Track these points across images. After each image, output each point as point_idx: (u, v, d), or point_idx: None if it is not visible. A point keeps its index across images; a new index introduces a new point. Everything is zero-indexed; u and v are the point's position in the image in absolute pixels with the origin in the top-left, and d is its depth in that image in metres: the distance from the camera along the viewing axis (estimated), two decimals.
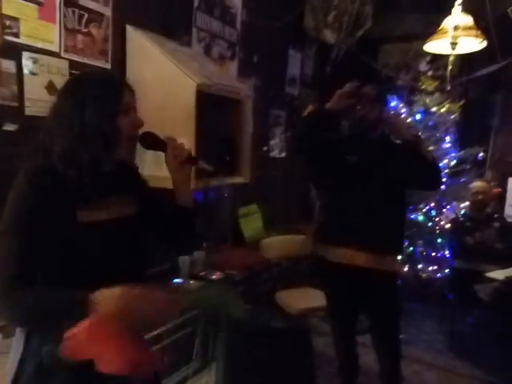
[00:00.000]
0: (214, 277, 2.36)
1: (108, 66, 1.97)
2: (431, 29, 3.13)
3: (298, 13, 3.40)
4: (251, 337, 2.10)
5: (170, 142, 1.07)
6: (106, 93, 0.95)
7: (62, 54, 1.74)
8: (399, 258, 2.10)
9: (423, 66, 3.73)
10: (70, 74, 1.78)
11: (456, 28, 2.71)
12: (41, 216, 0.88)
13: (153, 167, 2.06)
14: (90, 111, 0.92)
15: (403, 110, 3.53)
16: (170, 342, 1.95)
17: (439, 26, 2.93)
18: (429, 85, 3.50)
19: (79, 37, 1.80)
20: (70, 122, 0.92)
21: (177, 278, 2.28)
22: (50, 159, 0.92)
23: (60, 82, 1.73)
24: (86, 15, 1.82)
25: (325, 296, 2.23)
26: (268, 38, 3.16)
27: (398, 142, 2.02)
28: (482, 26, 2.97)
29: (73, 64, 1.79)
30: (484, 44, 2.81)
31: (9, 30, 1.54)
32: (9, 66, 1.55)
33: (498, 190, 3.59)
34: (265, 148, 3.38)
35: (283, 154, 3.59)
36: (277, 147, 3.51)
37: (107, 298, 0.80)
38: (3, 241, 0.87)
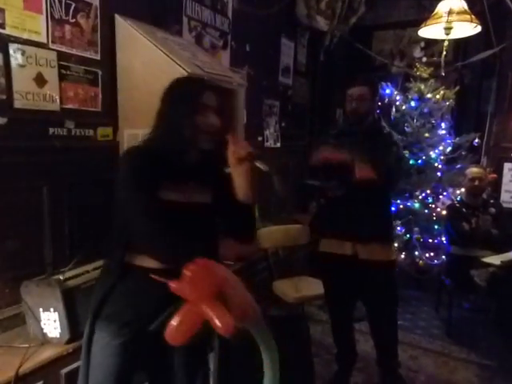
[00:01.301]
0: None
1: (97, 57, 1.94)
2: (425, 15, 3.10)
3: (289, 0, 3.35)
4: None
5: (231, 140, 1.16)
6: (187, 95, 1.18)
7: (50, 45, 1.71)
8: (393, 246, 2.12)
9: (417, 53, 3.72)
10: (59, 65, 1.75)
11: (450, 13, 2.69)
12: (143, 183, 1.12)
13: None
14: (174, 110, 1.18)
15: (398, 97, 3.52)
16: None
17: (432, 11, 2.90)
18: (423, 71, 3.48)
19: (67, 27, 1.77)
20: (164, 117, 1.20)
21: None
22: (147, 142, 1.19)
23: (48, 73, 1.70)
24: (73, 5, 1.78)
25: (322, 284, 2.26)
26: (260, 26, 3.12)
27: (385, 131, 2.04)
28: (476, 10, 2.95)
29: (61, 55, 1.76)
30: (478, 29, 2.78)
31: None
32: None
33: (493, 175, 3.60)
34: (259, 138, 3.37)
35: (278, 144, 3.58)
36: (271, 137, 3.49)
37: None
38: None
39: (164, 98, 1.23)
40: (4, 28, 1.54)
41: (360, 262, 1.95)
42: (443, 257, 3.34)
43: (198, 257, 0.80)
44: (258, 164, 1.16)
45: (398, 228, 3.38)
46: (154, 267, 1.09)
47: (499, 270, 2.63)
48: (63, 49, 1.77)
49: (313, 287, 2.63)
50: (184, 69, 1.85)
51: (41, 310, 1.49)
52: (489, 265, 2.69)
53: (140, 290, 1.15)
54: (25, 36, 1.62)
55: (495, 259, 2.70)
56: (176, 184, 1.15)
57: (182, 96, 1.19)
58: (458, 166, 3.51)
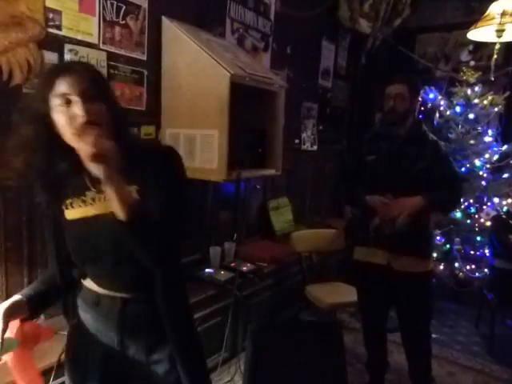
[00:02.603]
0: (244, 268, 2.37)
1: (144, 58, 2.00)
2: (472, 17, 2.97)
3: (332, 2, 3.32)
4: (280, 329, 2.09)
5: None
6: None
7: (101, 46, 1.78)
8: (431, 258, 2.02)
9: (465, 56, 3.57)
10: (108, 65, 1.82)
11: (503, 14, 2.56)
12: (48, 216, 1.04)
13: (185, 158, 2.09)
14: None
15: (442, 102, 3.39)
16: (200, 331, 1.97)
17: (482, 13, 2.78)
18: (470, 75, 3.33)
19: (117, 28, 1.84)
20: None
21: (207, 268, 2.31)
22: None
23: None
24: (124, 7, 1.85)
25: (356, 291, 2.21)
26: (301, 28, 3.11)
27: (430, 138, 1.94)
28: None
29: (110, 55, 1.82)
30: None
31: (52, 23, 1.59)
32: (52, 57, 1.61)
33: None
34: (296, 141, 3.35)
35: (315, 147, 3.54)
36: (308, 140, 3.47)
37: None
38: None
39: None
40: (61, 29, 1.62)
41: (394, 272, 1.89)
42: (485, 270, 3.18)
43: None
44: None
45: (438, 237, 3.25)
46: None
47: None
48: (112, 49, 1.84)
49: (346, 294, 2.57)
50: (227, 69, 1.88)
51: None
52: None
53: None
54: (78, 37, 1.69)
55: None
56: (76, 198, 0.97)
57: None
58: (506, 175, 3.33)
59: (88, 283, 1.06)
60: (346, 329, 2.85)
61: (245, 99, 2.08)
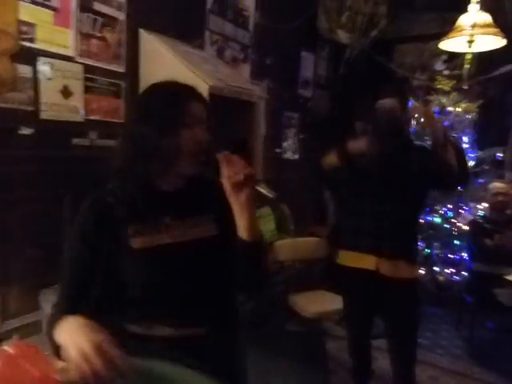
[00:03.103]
0: None
1: (122, 70, 1.99)
2: (447, 28, 3.07)
3: (310, 14, 3.38)
4: (266, 340, 2.09)
5: (224, 161, 0.85)
6: (167, 106, 0.89)
7: (77, 59, 1.77)
8: (416, 264, 2.04)
9: (439, 65, 3.67)
10: (85, 77, 1.80)
11: (473, 26, 2.66)
12: (89, 245, 0.88)
13: None
14: (150, 125, 0.87)
15: None
16: None
17: (454, 25, 2.88)
18: (445, 84, 3.43)
19: (93, 41, 1.83)
20: (132, 137, 0.90)
21: None
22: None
23: (74, 85, 1.76)
24: (100, 20, 1.84)
25: (342, 298, 2.21)
26: (281, 39, 3.16)
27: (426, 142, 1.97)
28: (499, 23, 2.91)
29: (87, 68, 1.81)
30: (504, 42, 2.74)
31: (25, 36, 1.57)
32: (25, 71, 1.58)
33: None
34: (278, 150, 3.37)
35: (296, 156, 3.57)
36: (290, 149, 3.49)
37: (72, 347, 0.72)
38: (64, 263, 0.91)
39: (133, 112, 0.98)
40: (34, 42, 1.60)
41: (382, 278, 1.87)
42: (464, 273, 3.24)
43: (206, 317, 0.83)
44: (261, 189, 0.91)
45: (418, 243, 3.31)
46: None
47: None
48: (89, 62, 1.82)
49: (330, 302, 2.58)
50: (205, 81, 1.88)
51: None
52: None
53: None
54: (53, 50, 1.67)
55: None
56: (150, 224, 0.89)
57: (162, 106, 0.90)
58: (481, 180, 3.42)
59: (138, 328, 0.90)
60: (331, 337, 2.86)
61: (224, 110, 2.09)
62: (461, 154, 1.81)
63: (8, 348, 0.73)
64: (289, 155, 3.50)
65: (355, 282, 1.97)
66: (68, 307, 0.85)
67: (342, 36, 3.42)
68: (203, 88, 1.87)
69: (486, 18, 2.65)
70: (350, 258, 1.98)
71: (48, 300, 1.53)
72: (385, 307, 1.99)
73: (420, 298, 2.05)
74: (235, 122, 2.29)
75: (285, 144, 3.42)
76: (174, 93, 0.94)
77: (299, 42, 3.47)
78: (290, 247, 2.84)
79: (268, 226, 3.19)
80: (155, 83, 1.01)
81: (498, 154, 3.52)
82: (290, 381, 1.86)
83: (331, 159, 1.93)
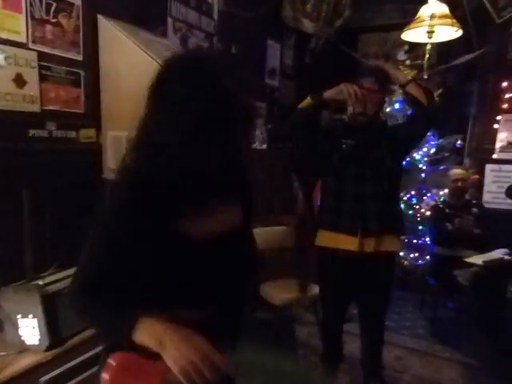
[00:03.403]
0: None
1: (80, 58, 1.91)
2: (409, 18, 3.14)
3: (275, 2, 3.36)
4: None
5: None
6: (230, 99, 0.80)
7: (30, 45, 1.67)
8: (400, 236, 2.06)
9: (401, 55, 3.76)
10: (40, 65, 1.71)
11: (432, 16, 2.73)
12: (128, 231, 0.82)
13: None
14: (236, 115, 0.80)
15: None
16: None
17: (416, 15, 2.95)
18: (407, 74, 3.51)
19: (48, 27, 1.74)
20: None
21: None
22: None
23: (28, 74, 1.67)
24: (55, 4, 1.75)
25: (319, 284, 2.17)
26: (246, 28, 3.12)
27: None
28: (458, 15, 3.01)
29: (42, 55, 1.72)
30: (460, 33, 2.83)
31: None
32: None
33: (476, 176, 3.66)
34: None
35: (264, 146, 3.57)
36: (258, 139, 3.49)
37: (172, 339, 0.74)
38: (91, 248, 0.88)
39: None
40: None
41: (364, 257, 1.86)
42: (428, 257, 3.38)
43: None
44: None
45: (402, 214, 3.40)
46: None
47: (482, 270, 2.68)
48: (44, 49, 1.73)
49: (299, 289, 2.63)
50: None
51: (19, 316, 1.45)
52: (471, 265, 2.74)
53: None
54: (3, 36, 1.58)
55: (477, 259, 2.74)
56: (195, 209, 0.84)
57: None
58: (442, 167, 3.56)
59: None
60: (301, 323, 2.92)
61: None
62: (426, 89, 1.86)
63: (113, 361, 0.74)
64: (257, 145, 3.49)
65: (335, 262, 1.93)
66: (96, 295, 0.84)
67: (307, 25, 3.43)
68: None
69: (444, 9, 2.73)
70: (330, 238, 1.94)
71: (7, 298, 1.47)
72: (363, 287, 1.97)
73: (392, 280, 2.10)
74: None
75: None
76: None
77: (265, 30, 3.45)
78: (259, 236, 2.84)
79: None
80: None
81: (458, 142, 3.67)
82: (260, 367, 1.88)
83: (306, 102, 1.94)
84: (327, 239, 1.95)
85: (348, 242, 1.86)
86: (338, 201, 1.93)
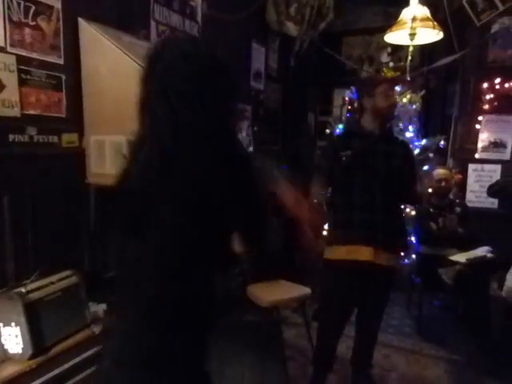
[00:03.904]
0: None
1: (60, 62, 1.88)
2: (391, 21, 3.19)
3: (259, 5, 3.37)
4: (224, 331, 2.09)
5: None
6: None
7: (8, 49, 1.65)
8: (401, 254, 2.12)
9: (384, 58, 3.81)
10: (19, 69, 1.69)
11: (414, 19, 2.77)
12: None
13: (113, 165, 2.00)
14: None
15: None
16: None
17: (397, 18, 2.99)
18: (390, 76, 3.57)
19: (27, 30, 1.71)
20: None
21: None
22: None
23: (7, 77, 1.64)
24: (33, 7, 1.73)
25: (324, 295, 2.17)
26: (231, 31, 3.12)
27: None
28: (439, 18, 3.06)
29: (21, 59, 1.69)
30: (441, 35, 2.88)
31: None
32: None
33: (459, 176, 3.72)
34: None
35: (250, 149, 3.58)
36: (244, 141, 3.49)
37: None
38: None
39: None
40: None
41: (375, 267, 1.87)
42: (413, 256, 3.42)
43: None
44: None
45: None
46: None
47: (465, 268, 2.72)
48: (23, 52, 1.71)
49: (287, 291, 2.64)
50: None
51: (1, 325, 1.42)
52: (455, 263, 2.78)
53: None
54: None
55: (461, 257, 2.79)
56: None
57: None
58: (426, 167, 3.61)
59: None
60: (289, 324, 2.92)
61: None
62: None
63: None
64: None
65: (347, 273, 1.91)
66: None
67: (291, 28, 3.45)
68: None
69: (425, 11, 2.78)
70: (341, 252, 1.94)
71: None
72: (367, 294, 1.99)
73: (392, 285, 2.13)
74: None
75: (238, 136, 3.41)
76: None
77: (250, 33, 3.46)
78: None
79: None
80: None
81: (441, 143, 3.72)
82: (248, 369, 1.88)
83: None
84: (337, 252, 1.95)
85: (363, 253, 1.87)
86: (348, 212, 1.94)
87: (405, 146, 2.07)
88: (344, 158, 1.91)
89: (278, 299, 2.58)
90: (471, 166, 3.82)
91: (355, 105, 3.63)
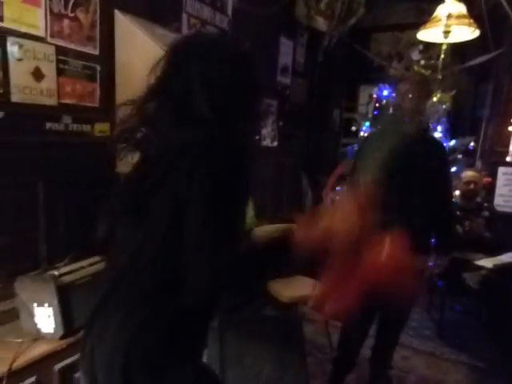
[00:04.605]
0: None
1: (96, 52, 1.93)
2: (423, 18, 3.12)
3: (289, 0, 3.35)
4: (243, 324, 2.12)
5: None
6: None
7: (48, 39, 1.70)
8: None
9: (415, 55, 3.73)
10: (57, 59, 1.74)
11: (449, 16, 2.71)
12: None
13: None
14: None
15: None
16: None
17: (431, 15, 2.92)
18: (423, 73, 3.49)
19: (65, 21, 1.76)
20: None
21: None
22: None
23: (46, 67, 1.69)
24: None
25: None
26: (259, 25, 3.12)
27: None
28: (474, 14, 2.97)
29: (59, 49, 1.74)
30: (477, 33, 2.81)
31: None
32: None
33: (488, 179, 3.62)
34: (257, 137, 3.37)
35: (275, 143, 3.58)
36: (269, 136, 3.50)
37: None
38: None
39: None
40: (2, 21, 1.53)
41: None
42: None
43: None
44: None
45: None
46: None
47: (491, 273, 2.66)
48: (61, 43, 1.75)
49: (306, 287, 2.64)
50: None
51: (35, 305, 1.48)
52: (481, 268, 2.72)
53: None
54: (23, 29, 1.60)
55: (487, 262, 2.73)
56: None
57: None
58: (454, 169, 3.53)
59: None
60: (307, 320, 2.92)
61: None
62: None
63: None
64: (267, 142, 3.50)
65: None
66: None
67: (321, 23, 3.42)
68: None
69: (461, 8, 2.71)
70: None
71: (24, 287, 1.50)
72: (389, 300, 1.99)
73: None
74: None
75: (263, 131, 3.42)
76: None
77: (278, 27, 3.44)
78: (268, 233, 2.85)
79: (248, 212, 3.20)
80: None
81: (470, 144, 3.63)
82: (268, 364, 1.90)
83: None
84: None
85: None
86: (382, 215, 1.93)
87: (441, 146, 2.03)
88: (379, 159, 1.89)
89: (299, 295, 2.58)
90: (501, 169, 3.71)
91: (383, 102, 3.59)
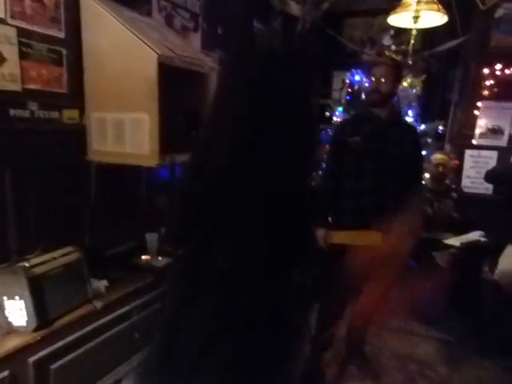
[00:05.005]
0: None
1: (61, 35, 1.85)
2: (395, 3, 3.14)
3: None
4: None
5: None
6: None
7: (9, 21, 1.61)
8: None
9: (387, 40, 3.77)
10: (19, 42, 1.66)
11: (418, 2, 2.74)
12: None
13: (114, 143, 2.00)
14: None
15: (367, 85, 3.57)
16: (139, 318, 1.94)
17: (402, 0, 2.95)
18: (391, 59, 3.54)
19: (27, 2, 1.67)
20: None
21: (145, 255, 2.26)
22: None
23: (8, 50, 1.61)
24: None
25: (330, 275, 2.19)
26: (232, 9, 3.07)
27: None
28: (443, 0, 3.02)
29: (21, 32, 1.66)
30: (445, 19, 2.86)
31: None
32: None
33: (456, 162, 3.75)
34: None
35: None
36: None
37: None
38: None
39: None
40: None
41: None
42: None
43: None
44: None
45: None
46: None
47: (459, 252, 2.78)
48: (23, 25, 1.67)
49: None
50: (154, 50, 1.80)
51: (5, 298, 1.44)
52: (450, 246, 2.84)
53: None
54: None
55: (455, 241, 2.85)
56: None
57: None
58: (424, 152, 3.62)
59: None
60: None
61: (175, 81, 2.02)
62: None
63: None
64: None
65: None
66: None
67: (294, 7, 3.39)
68: (152, 57, 1.80)
69: None
70: (351, 236, 1.97)
71: None
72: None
73: None
74: (186, 94, 2.23)
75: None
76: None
77: (251, 12, 3.40)
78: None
79: None
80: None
81: (439, 128, 3.73)
82: None
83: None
84: (347, 236, 1.97)
85: (370, 238, 1.88)
86: (358, 198, 1.95)
87: (414, 130, 2.07)
88: (353, 144, 1.92)
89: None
90: (468, 152, 3.84)
91: (355, 88, 3.63)
